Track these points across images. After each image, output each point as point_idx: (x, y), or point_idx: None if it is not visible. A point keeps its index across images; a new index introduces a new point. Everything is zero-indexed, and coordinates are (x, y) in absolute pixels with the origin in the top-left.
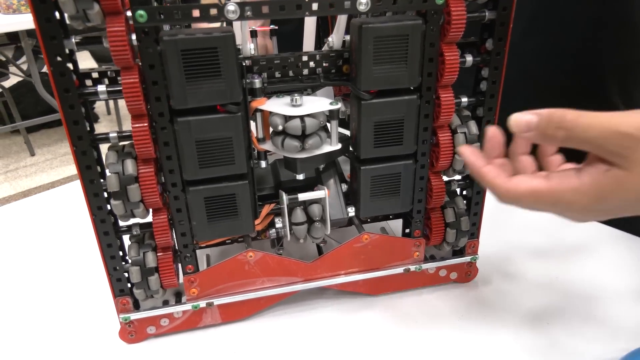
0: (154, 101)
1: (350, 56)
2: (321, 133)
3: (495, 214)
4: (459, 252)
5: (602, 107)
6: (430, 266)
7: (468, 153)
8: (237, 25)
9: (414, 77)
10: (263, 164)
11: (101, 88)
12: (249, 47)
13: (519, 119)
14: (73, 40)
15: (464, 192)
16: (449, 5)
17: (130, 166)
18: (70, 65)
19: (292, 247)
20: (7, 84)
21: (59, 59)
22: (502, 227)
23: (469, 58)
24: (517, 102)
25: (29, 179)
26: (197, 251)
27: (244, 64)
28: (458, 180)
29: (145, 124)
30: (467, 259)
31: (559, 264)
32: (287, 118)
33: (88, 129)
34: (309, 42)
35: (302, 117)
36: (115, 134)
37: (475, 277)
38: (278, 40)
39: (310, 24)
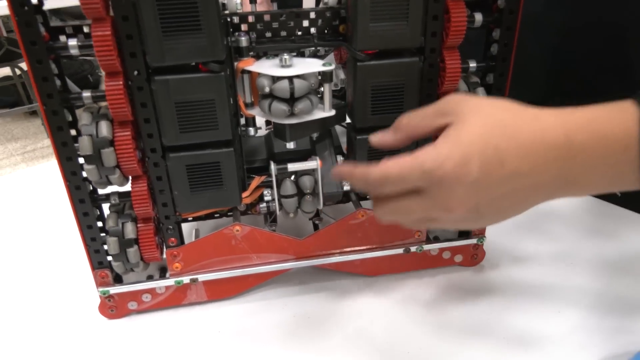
0: (129, 57)
1: (347, 13)
2: (312, 97)
3: None
4: (464, 234)
5: (630, 89)
6: (433, 247)
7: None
8: None
9: (415, 37)
10: (252, 131)
11: (72, 42)
12: (236, 1)
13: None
14: None
15: None
16: None
17: (104, 128)
18: (39, 18)
19: (287, 224)
20: (25, 65)
21: (25, 8)
22: None
23: (479, 17)
24: (535, 81)
25: (46, 159)
26: (187, 225)
27: (229, 20)
28: None
29: (120, 83)
30: (473, 240)
31: (574, 248)
32: (275, 79)
33: (60, 88)
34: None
35: (290, 79)
36: (89, 94)
37: (482, 261)
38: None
39: None
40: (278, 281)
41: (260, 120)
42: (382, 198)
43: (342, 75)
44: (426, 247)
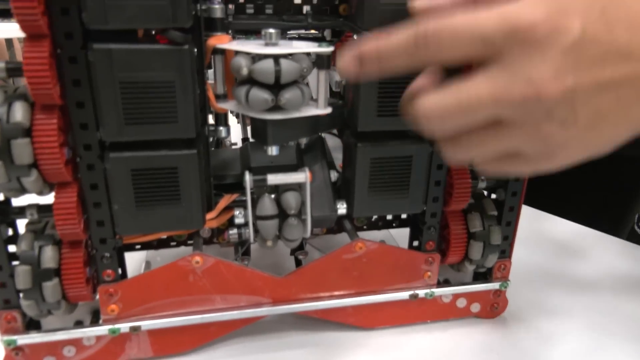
0: (59, 15)
1: None
2: (303, 87)
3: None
4: (482, 276)
5: None
6: (445, 292)
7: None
8: None
9: None
10: (223, 131)
11: None
12: None
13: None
14: None
15: (493, 195)
16: None
17: (19, 111)
18: None
19: (263, 259)
20: None
21: None
22: (533, 243)
23: None
24: None
25: None
26: (134, 255)
27: None
28: (487, 178)
29: (44, 50)
30: (494, 285)
31: (611, 300)
32: (256, 59)
33: None
34: None
35: (276, 58)
36: (2, 65)
37: (504, 312)
38: None
39: None
40: (248, 332)
41: (235, 134)
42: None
43: (338, 77)
44: (437, 291)
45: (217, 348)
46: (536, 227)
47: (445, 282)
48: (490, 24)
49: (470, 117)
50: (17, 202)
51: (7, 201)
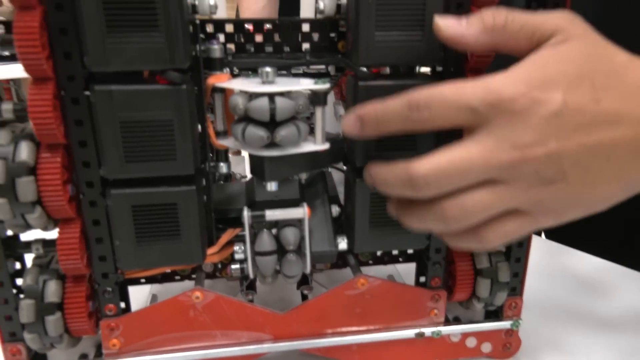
0: (62, 59)
1: (347, 23)
2: (300, 123)
3: (536, 262)
4: (493, 314)
5: None
6: (454, 331)
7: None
8: None
9: (433, 52)
10: (223, 167)
11: None
12: (208, 2)
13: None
14: None
15: None
16: None
17: (24, 151)
18: None
19: (270, 295)
20: None
21: None
22: (553, 278)
23: None
24: None
25: None
26: (141, 290)
27: (200, 25)
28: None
29: (48, 92)
30: (506, 324)
31: (636, 337)
32: (252, 97)
33: None
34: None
35: (271, 96)
36: (9, 106)
37: (517, 352)
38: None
39: None
40: None
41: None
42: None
43: (342, 111)
44: (445, 330)
45: None
46: (557, 261)
47: (455, 320)
48: (475, 96)
49: (465, 178)
50: (24, 236)
51: (15, 236)
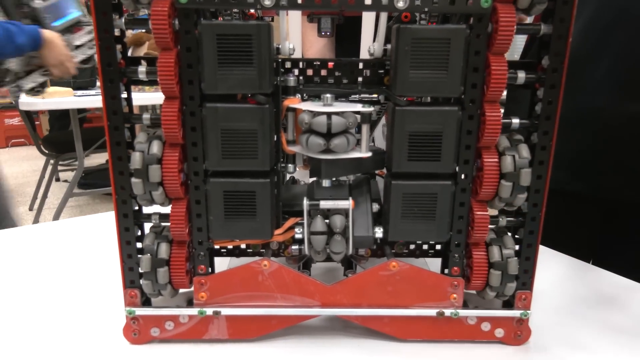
0: (187, 84)
1: (390, 63)
2: (349, 136)
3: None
4: (508, 304)
5: None
6: (470, 314)
7: None
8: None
9: (455, 86)
10: (291, 167)
11: (141, 68)
12: (288, 46)
13: None
14: (123, 20)
15: (516, 235)
16: (497, 11)
17: (155, 146)
18: (118, 47)
19: (321, 278)
20: None
21: (107, 34)
22: (572, 290)
23: (521, 74)
24: (581, 143)
25: None
26: (221, 261)
27: (281, 62)
28: (508, 216)
29: (175, 107)
30: (516, 313)
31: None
32: (315, 115)
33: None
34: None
35: (329, 114)
36: (148, 115)
37: (528, 341)
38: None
39: (367, 31)
40: (303, 331)
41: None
42: None
43: (384, 127)
44: (462, 312)
45: (277, 340)
46: (578, 276)
47: (475, 309)
48: None
49: None
50: (146, 210)
51: (139, 210)
